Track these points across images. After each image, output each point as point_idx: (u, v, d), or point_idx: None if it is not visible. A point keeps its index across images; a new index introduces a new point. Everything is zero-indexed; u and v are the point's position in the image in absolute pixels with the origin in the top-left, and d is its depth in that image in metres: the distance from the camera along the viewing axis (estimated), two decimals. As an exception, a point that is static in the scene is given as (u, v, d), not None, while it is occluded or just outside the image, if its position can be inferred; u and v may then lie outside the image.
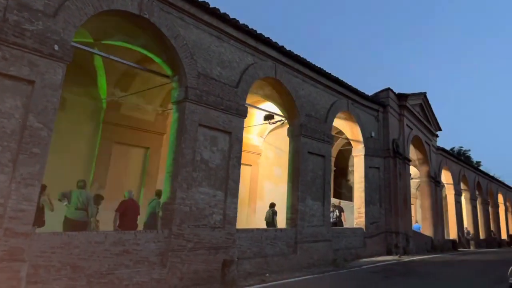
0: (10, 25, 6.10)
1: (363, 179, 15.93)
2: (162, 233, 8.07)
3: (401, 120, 18.89)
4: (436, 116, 23.46)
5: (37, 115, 6.27)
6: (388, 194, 16.94)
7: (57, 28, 6.69)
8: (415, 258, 15.87)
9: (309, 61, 12.72)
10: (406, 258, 15.32)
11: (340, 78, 14.36)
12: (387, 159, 17.20)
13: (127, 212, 9.46)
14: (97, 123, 12.39)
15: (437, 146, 24.93)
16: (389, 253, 16.16)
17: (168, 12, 8.68)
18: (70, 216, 8.90)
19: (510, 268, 4.14)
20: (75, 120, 11.77)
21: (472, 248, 27.33)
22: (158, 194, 10.21)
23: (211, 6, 9.36)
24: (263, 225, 14.17)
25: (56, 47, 6.58)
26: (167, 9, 8.65)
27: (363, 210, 15.64)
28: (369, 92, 17.35)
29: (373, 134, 16.72)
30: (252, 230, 10.77)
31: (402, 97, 18.77)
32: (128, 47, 9.58)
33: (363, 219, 15.55)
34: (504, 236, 37.99)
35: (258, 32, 10.73)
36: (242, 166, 10.30)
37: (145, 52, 9.41)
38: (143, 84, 12.27)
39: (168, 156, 8.93)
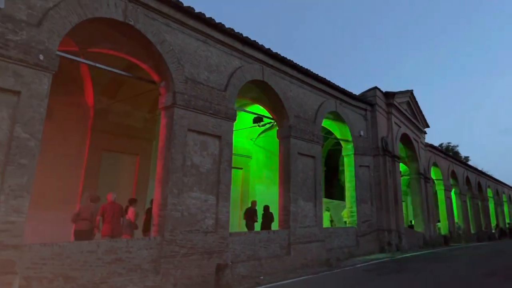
0: (-7, 36, 6.05)
1: (353, 178, 16.03)
2: (154, 240, 8.04)
3: (389, 118, 19.06)
4: (424, 113, 23.72)
5: (24, 126, 6.22)
6: (379, 192, 17.06)
7: (41, 38, 6.65)
8: (408, 254, 15.99)
9: (296, 63, 12.78)
10: (399, 255, 15.43)
11: (328, 78, 14.47)
12: (376, 157, 17.33)
13: (105, 214, 9.71)
14: (85, 131, 12.29)
15: (426, 142, 25.19)
16: (382, 250, 16.26)
17: (153, 18, 8.67)
18: (76, 227, 9.65)
19: None
20: (63, 129, 11.67)
21: (463, 243, 27.62)
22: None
23: (196, 11, 9.37)
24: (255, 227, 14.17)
25: (41, 57, 6.54)
26: (152, 15, 8.64)
27: (354, 209, 15.73)
28: (357, 91, 17.50)
29: (362, 133, 16.84)
30: (245, 233, 10.79)
31: (389, 95, 18.94)
32: (114, 55, 9.54)
33: (355, 218, 15.63)
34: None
35: (244, 35, 10.76)
36: (233, 170, 10.31)
37: (131, 59, 9.38)
38: (130, 91, 12.21)
39: (158, 162, 8.90)
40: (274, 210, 13.65)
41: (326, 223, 17.32)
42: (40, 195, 8.92)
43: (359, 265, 12.33)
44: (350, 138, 16.21)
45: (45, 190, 10.04)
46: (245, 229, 13.54)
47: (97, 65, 8.80)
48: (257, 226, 13.68)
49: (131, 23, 8.15)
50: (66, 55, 7.70)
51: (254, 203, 13.96)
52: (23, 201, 6.05)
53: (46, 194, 10.21)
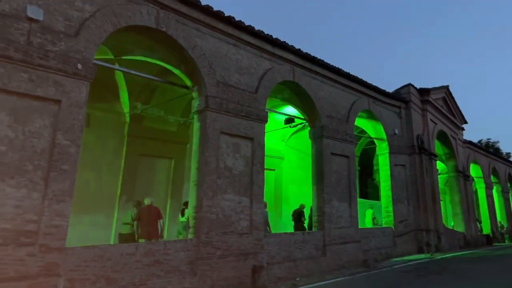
0: (34, 48, 6.33)
1: (389, 178, 15.70)
2: (191, 242, 8.15)
3: (425, 115, 18.56)
4: (461, 108, 22.94)
5: (64, 133, 6.46)
6: (415, 191, 16.64)
7: (79, 48, 6.89)
8: (448, 255, 15.51)
9: (327, 62, 12.66)
10: (438, 256, 14.99)
11: (360, 76, 14.24)
12: (412, 155, 16.91)
13: (142, 217, 10.01)
14: (121, 137, 12.63)
15: (464, 139, 24.36)
16: (420, 251, 15.84)
17: (184, 23, 8.82)
18: (120, 231, 10.52)
19: None
20: (100, 135, 12.05)
21: (507, 242, 26.50)
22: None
23: (225, 14, 9.46)
24: (289, 228, 14.16)
25: (79, 66, 6.78)
26: (183, 21, 8.79)
27: (391, 208, 15.40)
28: (390, 88, 17.14)
29: (396, 131, 16.48)
30: (280, 234, 10.76)
31: (424, 92, 18.45)
32: (147, 61, 9.77)
33: (391, 218, 15.31)
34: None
35: (274, 37, 10.76)
36: (265, 171, 10.32)
37: (164, 64, 9.58)
38: (163, 96, 12.47)
39: (192, 165, 9.03)
40: (308, 211, 13.61)
41: (369, 222, 17.10)
42: (81, 199, 9.23)
43: (397, 266, 12.06)
44: (384, 137, 15.90)
45: (85, 195, 10.39)
46: (280, 230, 13.53)
47: (132, 71, 9.05)
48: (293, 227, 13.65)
49: (163, 29, 8.32)
50: (102, 63, 7.96)
51: (302, 206, 13.99)
52: (65, 205, 6.28)
53: (86, 199, 10.57)
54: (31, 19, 6.38)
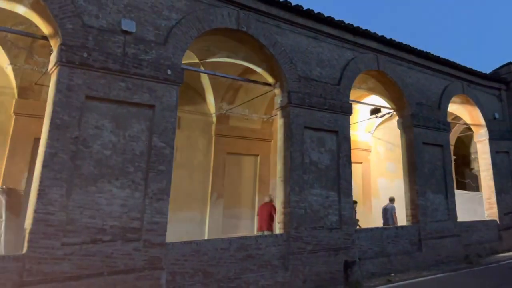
0: (129, 58, 6.85)
1: (490, 166, 14.39)
2: (281, 237, 8.25)
3: (530, 96, 16.67)
4: None
5: (159, 136, 6.91)
6: (523, 180, 15.05)
7: (168, 54, 7.31)
8: None
9: (413, 47, 11.96)
10: (554, 251, 13.44)
11: (451, 59, 13.24)
12: (517, 141, 15.32)
13: (259, 213, 11.37)
14: (209, 137, 13.18)
15: None
16: (532, 246, 14.31)
17: (264, 21, 8.91)
18: None
19: None
20: (190, 136, 12.69)
21: None
22: (391, 200, 13.39)
23: (304, 8, 9.38)
24: (380, 223, 13.68)
25: (169, 72, 7.20)
26: (262, 19, 8.89)
27: (494, 200, 14.12)
28: (486, 69, 15.70)
29: (496, 116, 15.05)
30: (371, 229, 10.45)
31: (528, 69, 16.57)
32: (230, 62, 10.05)
33: (495, 210, 14.04)
34: None
35: (355, 25, 10.43)
36: (352, 164, 10.06)
37: (246, 64, 9.78)
38: (247, 95, 12.75)
39: (278, 161, 9.11)
40: (400, 204, 12.98)
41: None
42: (176, 197, 9.79)
43: (505, 262, 11.07)
44: (482, 122, 14.61)
45: (180, 193, 11.02)
46: (370, 225, 13.15)
47: (217, 73, 9.40)
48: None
49: (244, 29, 8.49)
50: (189, 67, 8.39)
51: None
52: (163, 203, 6.73)
53: (181, 196, 11.19)
54: (125, 32, 6.91)
